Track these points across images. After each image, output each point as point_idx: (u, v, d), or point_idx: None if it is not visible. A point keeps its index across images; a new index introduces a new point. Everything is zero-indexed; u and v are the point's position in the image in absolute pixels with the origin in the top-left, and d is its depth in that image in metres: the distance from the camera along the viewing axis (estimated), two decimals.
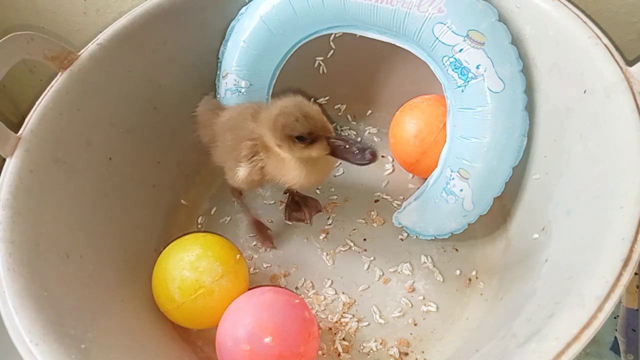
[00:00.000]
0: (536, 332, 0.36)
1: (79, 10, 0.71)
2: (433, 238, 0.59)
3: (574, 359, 0.33)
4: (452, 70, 0.51)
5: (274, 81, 0.63)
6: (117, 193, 0.55)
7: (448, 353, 0.52)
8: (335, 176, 0.68)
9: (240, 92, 0.61)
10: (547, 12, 0.48)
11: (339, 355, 0.54)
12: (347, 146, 0.44)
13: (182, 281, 0.50)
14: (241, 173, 0.52)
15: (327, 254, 0.61)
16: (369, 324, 0.55)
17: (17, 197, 0.44)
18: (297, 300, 0.50)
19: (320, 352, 0.54)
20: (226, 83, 0.61)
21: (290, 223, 0.64)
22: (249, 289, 0.53)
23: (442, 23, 0.50)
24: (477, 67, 0.49)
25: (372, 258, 0.60)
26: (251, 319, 0.46)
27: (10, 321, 0.38)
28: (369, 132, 0.72)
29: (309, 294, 0.58)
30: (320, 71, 0.70)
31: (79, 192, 0.50)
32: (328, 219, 0.64)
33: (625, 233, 0.35)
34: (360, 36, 0.58)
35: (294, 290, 0.59)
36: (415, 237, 0.60)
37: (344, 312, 0.56)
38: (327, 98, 0.74)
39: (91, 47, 0.53)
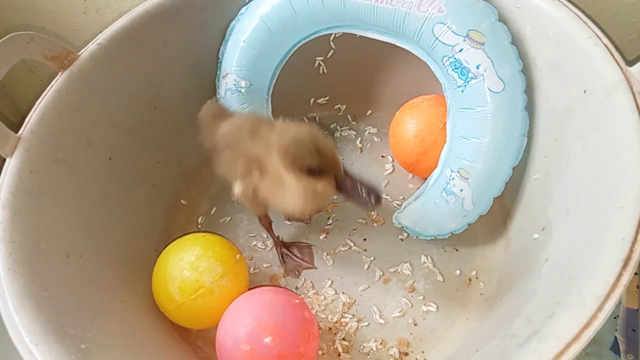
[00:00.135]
0: (536, 332, 0.36)
1: (79, 10, 0.71)
2: (433, 238, 0.59)
3: (574, 359, 0.33)
4: (452, 70, 0.51)
5: (274, 81, 0.63)
6: (117, 193, 0.55)
7: (448, 353, 0.52)
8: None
9: (240, 92, 0.61)
10: (547, 12, 0.48)
11: (339, 355, 0.54)
12: (354, 186, 0.43)
13: (182, 281, 0.50)
14: (236, 190, 0.51)
15: (327, 254, 0.61)
16: (369, 324, 0.55)
17: (17, 197, 0.44)
18: (297, 300, 0.50)
19: (320, 352, 0.54)
20: (226, 83, 0.61)
21: (290, 223, 0.64)
22: (249, 289, 0.53)
23: (442, 23, 0.50)
24: (477, 67, 0.49)
25: (372, 258, 0.60)
26: (251, 319, 0.46)
27: (10, 321, 0.38)
28: (369, 132, 0.72)
29: (309, 294, 0.58)
30: (320, 71, 0.70)
31: (79, 192, 0.50)
32: (328, 219, 0.64)
33: (625, 233, 0.35)
34: (360, 36, 0.58)
35: (294, 290, 0.59)
36: (415, 237, 0.60)
37: (344, 312, 0.56)
38: (327, 98, 0.74)
39: (91, 47, 0.53)
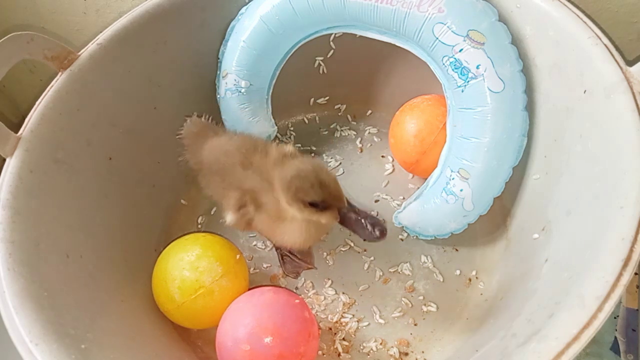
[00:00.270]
0: (536, 332, 0.36)
1: (79, 10, 0.71)
2: (433, 238, 0.59)
3: (574, 359, 0.33)
4: (452, 70, 0.51)
5: (274, 81, 0.63)
6: (117, 193, 0.55)
7: (448, 353, 0.52)
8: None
9: (240, 92, 0.61)
10: (547, 12, 0.48)
11: (339, 355, 0.54)
12: (358, 219, 0.43)
13: (182, 281, 0.50)
14: (228, 220, 0.51)
15: (327, 254, 0.61)
16: (369, 324, 0.55)
17: (17, 197, 0.44)
18: (297, 300, 0.50)
19: (320, 352, 0.54)
20: (226, 83, 0.61)
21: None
22: (249, 289, 0.53)
23: (442, 23, 0.50)
24: (477, 67, 0.49)
25: (372, 258, 0.60)
26: (251, 319, 0.46)
27: (10, 321, 0.38)
28: (369, 132, 0.72)
29: (309, 294, 0.58)
30: (320, 71, 0.70)
31: (79, 192, 0.50)
32: None
33: (625, 233, 0.35)
34: (360, 36, 0.58)
35: (294, 290, 0.59)
36: (415, 237, 0.60)
37: (344, 312, 0.56)
38: (327, 98, 0.74)
39: (91, 47, 0.53)
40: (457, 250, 0.60)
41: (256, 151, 0.51)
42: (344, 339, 0.55)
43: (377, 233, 0.43)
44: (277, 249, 0.61)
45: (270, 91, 0.63)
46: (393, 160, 0.69)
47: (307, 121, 0.75)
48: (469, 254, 0.59)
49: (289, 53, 0.61)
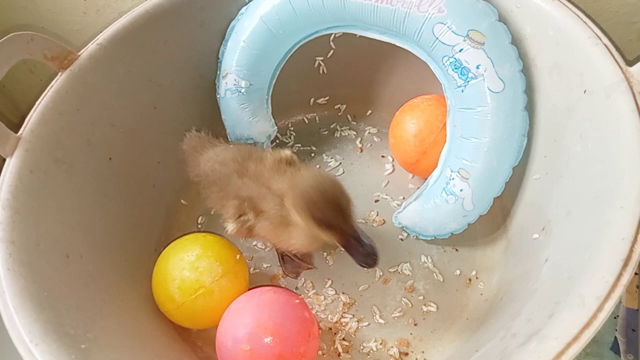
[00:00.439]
0: (536, 332, 0.36)
1: (79, 10, 0.71)
2: (433, 238, 0.59)
3: (574, 359, 0.33)
4: (452, 70, 0.51)
5: (274, 81, 0.63)
6: (117, 193, 0.55)
7: (448, 353, 0.52)
8: (335, 176, 0.68)
9: (240, 92, 0.61)
10: (547, 12, 0.48)
11: (339, 355, 0.54)
12: (356, 247, 0.44)
13: (182, 281, 0.50)
14: (229, 229, 0.51)
15: (327, 254, 0.61)
16: (369, 324, 0.55)
17: (17, 197, 0.44)
18: (297, 300, 0.50)
19: (320, 352, 0.54)
20: (226, 83, 0.61)
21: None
22: (249, 289, 0.53)
23: (442, 23, 0.50)
24: (477, 67, 0.49)
25: None
26: (251, 319, 0.46)
27: (10, 321, 0.38)
28: (369, 132, 0.72)
29: (309, 294, 0.58)
30: (320, 71, 0.70)
31: (79, 192, 0.50)
32: None
33: (625, 233, 0.35)
34: (360, 36, 0.58)
35: (294, 290, 0.59)
36: (415, 237, 0.60)
37: (344, 312, 0.56)
38: (327, 98, 0.74)
39: (91, 47, 0.53)
40: (457, 250, 0.60)
41: (251, 158, 0.51)
42: (344, 339, 0.55)
43: (370, 262, 0.44)
44: (277, 249, 0.61)
45: (270, 91, 0.63)
46: (393, 160, 0.69)
47: (307, 121, 0.75)
48: (469, 254, 0.59)
49: (289, 53, 0.61)
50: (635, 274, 0.44)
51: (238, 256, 0.54)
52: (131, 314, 0.50)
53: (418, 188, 0.59)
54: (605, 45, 0.44)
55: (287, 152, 0.52)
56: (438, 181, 0.55)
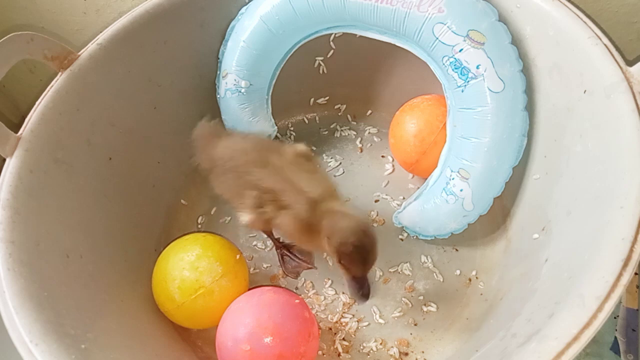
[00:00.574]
0: (536, 332, 0.36)
1: (79, 10, 0.71)
2: (433, 238, 0.59)
3: (574, 359, 0.33)
4: (452, 70, 0.51)
5: (274, 81, 0.63)
6: (117, 193, 0.55)
7: (448, 353, 0.52)
8: (335, 176, 0.68)
9: (240, 92, 0.61)
10: (547, 12, 0.48)
11: (339, 355, 0.54)
12: (358, 286, 0.46)
13: (182, 281, 0.50)
14: (244, 220, 0.51)
15: (327, 254, 0.61)
16: (369, 324, 0.55)
17: (17, 197, 0.44)
18: (297, 300, 0.50)
19: (320, 352, 0.54)
20: (226, 83, 0.61)
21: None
22: (249, 289, 0.53)
23: (442, 23, 0.50)
24: (477, 67, 0.49)
25: None
26: (251, 319, 0.46)
27: (10, 321, 0.38)
28: (369, 132, 0.72)
29: (309, 294, 0.58)
30: (320, 71, 0.70)
31: (79, 192, 0.50)
32: None
33: (625, 233, 0.35)
34: (360, 36, 0.58)
35: (294, 290, 0.59)
36: (415, 237, 0.60)
37: (344, 312, 0.56)
38: (327, 98, 0.74)
39: (91, 47, 0.53)
40: (457, 250, 0.60)
41: (271, 150, 0.51)
42: (344, 339, 0.55)
43: (360, 300, 0.46)
44: (277, 248, 0.61)
45: (270, 91, 0.63)
46: (393, 160, 0.69)
47: (307, 121, 0.75)
48: (469, 254, 0.59)
49: (289, 53, 0.61)
50: (635, 274, 0.44)
51: (238, 256, 0.54)
52: (131, 314, 0.50)
53: (418, 188, 0.59)
54: (605, 45, 0.44)
55: (302, 147, 0.52)
56: (438, 181, 0.55)
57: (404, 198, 0.65)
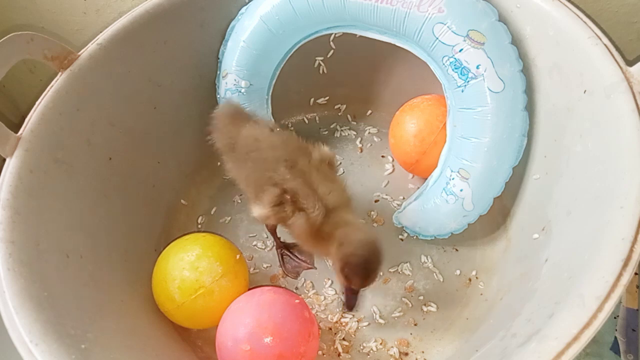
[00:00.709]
0: (536, 332, 0.36)
1: (79, 10, 0.71)
2: (433, 238, 0.59)
3: (574, 359, 0.33)
4: (452, 70, 0.51)
5: (274, 81, 0.63)
6: (117, 193, 0.55)
7: (448, 353, 0.52)
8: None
9: (240, 92, 0.61)
10: (547, 12, 0.48)
11: (339, 355, 0.54)
12: (353, 297, 0.48)
13: (182, 281, 0.50)
14: (256, 213, 0.50)
15: (330, 260, 0.61)
16: (369, 324, 0.55)
17: (17, 197, 0.44)
18: (297, 300, 0.50)
19: (320, 352, 0.54)
20: (226, 83, 0.61)
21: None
22: (249, 289, 0.53)
23: (442, 23, 0.50)
24: (477, 67, 0.49)
25: None
26: (251, 319, 0.46)
27: (10, 321, 0.38)
28: (369, 132, 0.72)
29: (309, 294, 0.58)
30: (320, 71, 0.70)
31: (79, 192, 0.50)
32: None
33: (625, 233, 0.35)
34: (360, 36, 0.58)
35: (294, 290, 0.59)
36: (415, 237, 0.60)
37: (344, 312, 0.56)
38: (327, 98, 0.74)
39: (91, 47, 0.53)
40: (457, 250, 0.60)
41: (299, 150, 0.51)
42: (344, 339, 0.55)
43: (347, 308, 0.49)
44: (277, 248, 0.61)
45: (270, 91, 0.63)
46: (393, 160, 0.69)
47: (307, 121, 0.75)
48: (469, 254, 0.59)
49: (289, 53, 0.61)
50: (635, 274, 0.44)
51: (238, 256, 0.54)
52: (131, 314, 0.50)
53: (418, 188, 0.59)
54: (605, 45, 0.44)
55: (328, 152, 0.52)
56: (438, 181, 0.55)
57: (404, 198, 0.65)
